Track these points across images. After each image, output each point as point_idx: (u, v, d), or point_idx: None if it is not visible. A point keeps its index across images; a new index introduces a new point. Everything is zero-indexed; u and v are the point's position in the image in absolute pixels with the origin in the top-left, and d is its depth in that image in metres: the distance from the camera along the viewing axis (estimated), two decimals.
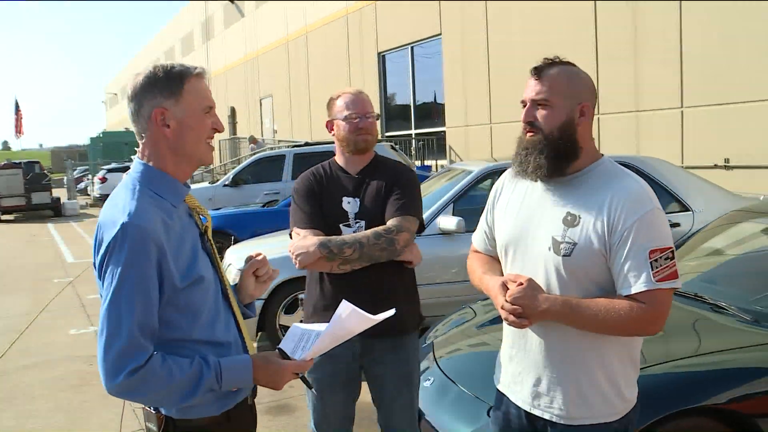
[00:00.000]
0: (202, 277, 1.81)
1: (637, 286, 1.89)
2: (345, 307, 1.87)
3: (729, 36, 8.85)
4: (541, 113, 2.03)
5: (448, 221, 5.63)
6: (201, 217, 1.96)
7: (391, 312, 2.01)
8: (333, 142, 2.91)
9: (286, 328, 5.72)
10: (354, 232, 2.75)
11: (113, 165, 26.23)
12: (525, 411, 2.12)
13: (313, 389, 2.30)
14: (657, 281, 1.88)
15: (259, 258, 2.06)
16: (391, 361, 2.78)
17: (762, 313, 3.20)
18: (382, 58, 18.63)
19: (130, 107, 1.81)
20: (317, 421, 2.85)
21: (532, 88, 2.05)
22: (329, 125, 2.89)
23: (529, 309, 1.94)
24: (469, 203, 5.95)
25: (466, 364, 3.52)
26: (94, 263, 1.73)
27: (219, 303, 1.88)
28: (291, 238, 2.85)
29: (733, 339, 3.03)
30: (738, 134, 8.81)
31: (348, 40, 19.73)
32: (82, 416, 4.91)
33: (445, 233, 5.68)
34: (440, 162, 15.61)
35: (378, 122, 2.93)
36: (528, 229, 2.09)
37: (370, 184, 2.82)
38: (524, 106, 2.09)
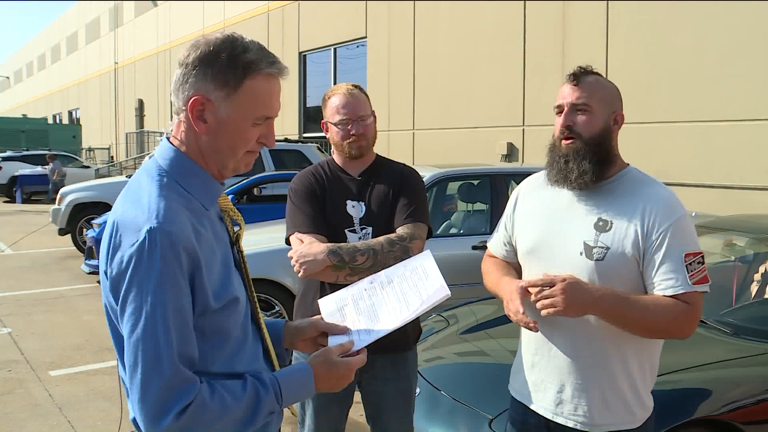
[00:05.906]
0: (237, 299, 1.50)
1: (676, 288, 1.92)
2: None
3: (651, 59, 9.27)
4: (580, 118, 2.04)
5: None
6: (233, 222, 1.62)
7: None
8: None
9: None
10: (360, 238, 2.59)
11: (9, 153, 24.74)
12: (546, 419, 2.11)
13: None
14: (693, 284, 1.92)
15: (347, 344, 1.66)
16: (392, 377, 2.64)
17: (739, 326, 3.34)
18: (303, 58, 18.42)
19: (176, 73, 1.47)
20: None
21: (570, 93, 2.05)
22: (324, 126, 2.72)
23: (579, 300, 1.88)
24: None
25: (454, 373, 3.45)
26: (105, 272, 1.40)
27: (247, 329, 1.57)
28: (288, 243, 2.66)
29: (718, 351, 3.12)
30: (660, 153, 9.23)
31: (268, 37, 19.38)
32: (10, 430, 4.45)
33: None
34: None
35: (373, 120, 2.68)
36: (555, 235, 2.08)
37: (374, 186, 2.66)
38: (559, 112, 2.08)
